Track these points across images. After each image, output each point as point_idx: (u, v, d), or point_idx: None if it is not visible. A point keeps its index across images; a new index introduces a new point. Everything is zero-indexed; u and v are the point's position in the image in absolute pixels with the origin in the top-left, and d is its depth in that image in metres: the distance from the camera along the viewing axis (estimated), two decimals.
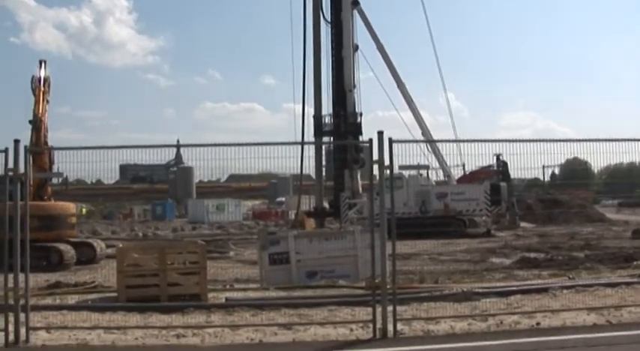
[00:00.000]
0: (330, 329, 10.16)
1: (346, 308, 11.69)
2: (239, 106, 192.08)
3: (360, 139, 37.42)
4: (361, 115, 38.67)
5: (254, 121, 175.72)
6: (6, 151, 9.70)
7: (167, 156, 76.61)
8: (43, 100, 24.06)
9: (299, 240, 16.21)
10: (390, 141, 9.80)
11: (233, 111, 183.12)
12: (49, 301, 13.02)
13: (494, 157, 32.17)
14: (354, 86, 38.54)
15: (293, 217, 47.17)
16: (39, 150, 20.83)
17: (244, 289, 14.66)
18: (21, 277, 9.64)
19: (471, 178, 37.94)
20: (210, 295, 13.19)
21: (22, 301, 9.67)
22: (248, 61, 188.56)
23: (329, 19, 39.53)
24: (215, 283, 15.13)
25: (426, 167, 27.03)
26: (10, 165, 9.70)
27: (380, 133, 9.78)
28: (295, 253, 15.77)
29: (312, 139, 38.20)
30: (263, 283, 15.37)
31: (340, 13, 38.67)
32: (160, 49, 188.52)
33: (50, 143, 23.72)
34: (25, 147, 9.95)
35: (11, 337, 9.52)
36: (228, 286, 15.14)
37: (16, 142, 9.72)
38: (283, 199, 71.40)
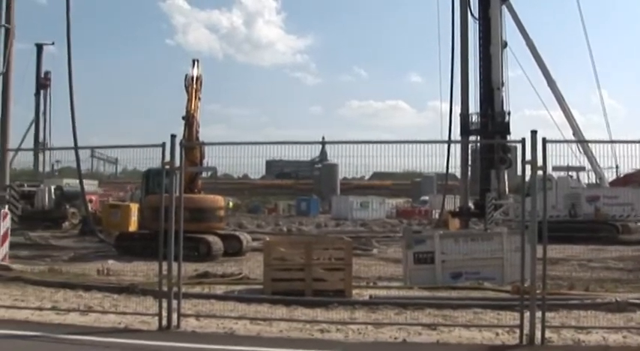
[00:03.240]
0: (475, 332, 9.95)
1: (491, 312, 11.41)
2: (384, 103, 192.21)
3: (508, 138, 36.58)
4: (509, 114, 37.75)
5: (399, 118, 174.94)
6: (163, 145, 10.13)
7: (312, 152, 77.93)
8: (195, 98, 25.02)
9: (444, 240, 15.98)
10: (544, 141, 9.43)
11: (378, 109, 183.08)
12: (198, 289, 13.50)
13: None
14: (502, 84, 37.70)
15: (437, 216, 46.73)
16: (192, 144, 21.58)
17: (388, 287, 14.61)
18: (173, 265, 10.06)
19: (626, 181, 36.18)
20: (354, 291, 13.25)
21: (174, 289, 10.09)
22: (394, 58, 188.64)
23: (477, 16, 38.86)
24: (358, 280, 15.14)
25: (582, 169, 25.99)
26: (167, 159, 10.14)
27: (533, 133, 9.44)
28: (440, 253, 15.56)
29: (459, 138, 37.70)
30: (407, 282, 15.30)
31: (488, 9, 37.93)
32: (307, 48, 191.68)
33: (201, 139, 24.61)
34: (181, 142, 10.36)
35: (164, 321, 9.97)
36: (371, 284, 15.16)
37: (173, 136, 10.14)
38: (427, 197, 70.90)
